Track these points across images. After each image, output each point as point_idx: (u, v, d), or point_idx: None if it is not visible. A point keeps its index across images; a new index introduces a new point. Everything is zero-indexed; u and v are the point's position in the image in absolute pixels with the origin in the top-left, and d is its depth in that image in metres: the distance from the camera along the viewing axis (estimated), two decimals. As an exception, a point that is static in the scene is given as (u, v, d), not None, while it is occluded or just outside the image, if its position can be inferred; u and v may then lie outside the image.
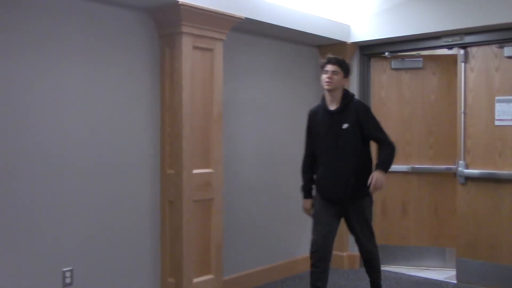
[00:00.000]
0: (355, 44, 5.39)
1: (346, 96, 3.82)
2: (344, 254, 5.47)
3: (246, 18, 4.20)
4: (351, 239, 5.43)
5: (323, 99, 3.89)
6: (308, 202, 3.99)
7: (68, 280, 3.48)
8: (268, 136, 4.99)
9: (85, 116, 3.58)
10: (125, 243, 3.83)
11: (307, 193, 3.99)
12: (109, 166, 3.71)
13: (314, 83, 5.50)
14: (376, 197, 5.45)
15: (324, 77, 3.75)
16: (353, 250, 5.46)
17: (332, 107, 3.81)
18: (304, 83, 5.38)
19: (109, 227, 3.72)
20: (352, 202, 3.79)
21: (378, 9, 5.17)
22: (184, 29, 3.84)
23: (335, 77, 3.73)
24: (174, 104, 3.92)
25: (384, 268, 4.93)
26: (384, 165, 3.70)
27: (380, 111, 5.48)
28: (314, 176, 3.95)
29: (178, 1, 3.71)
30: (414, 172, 5.42)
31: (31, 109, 3.31)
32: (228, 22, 4.10)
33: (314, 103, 5.46)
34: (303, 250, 5.15)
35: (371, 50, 5.46)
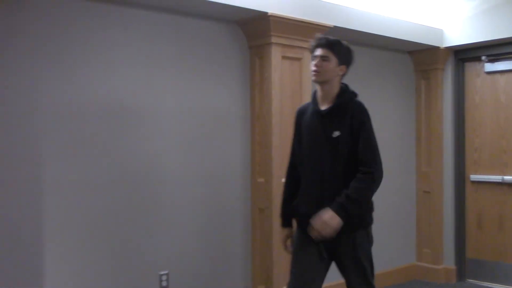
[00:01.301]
0: (449, 48, 5.21)
1: (343, 93, 2.81)
2: (440, 267, 5.26)
3: (335, 27, 4.19)
4: (446, 248, 5.26)
5: (314, 94, 2.90)
6: (285, 232, 2.96)
7: (164, 284, 3.62)
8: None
9: (180, 126, 3.73)
10: (218, 249, 3.92)
11: (284, 219, 2.97)
12: (203, 174, 3.84)
13: (406, 90, 5.37)
14: (470, 207, 5.27)
15: (312, 64, 2.80)
16: (448, 263, 5.25)
17: (323, 106, 2.82)
18: (395, 90, 5.27)
19: (203, 233, 3.84)
20: (338, 239, 2.70)
21: (472, 12, 4.97)
22: (273, 39, 3.90)
23: (325, 64, 2.74)
24: (263, 113, 3.99)
25: (478, 283, 4.68)
26: (345, 204, 2.63)
27: (474, 117, 5.24)
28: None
29: (267, 13, 3.78)
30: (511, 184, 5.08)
31: (132, 119, 3.51)
32: (317, 31, 4.11)
33: (405, 110, 5.34)
34: (400, 260, 5.01)
35: (465, 55, 5.24)
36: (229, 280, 3.99)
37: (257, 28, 3.96)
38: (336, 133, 2.72)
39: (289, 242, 2.93)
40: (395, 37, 4.72)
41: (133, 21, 3.53)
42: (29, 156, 3.10)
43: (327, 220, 2.62)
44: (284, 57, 4.00)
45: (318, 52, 2.77)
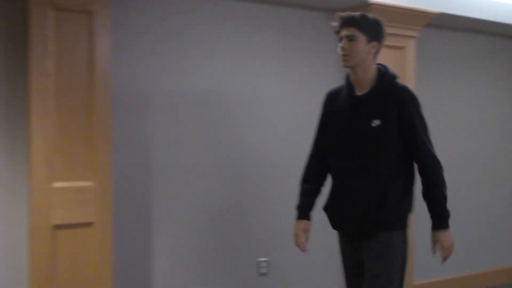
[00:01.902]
0: None
1: (383, 76, 2.42)
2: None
3: (442, 13, 4.01)
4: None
5: (348, 78, 2.50)
6: (301, 225, 2.55)
7: (263, 270, 3.71)
8: (484, 140, 4.73)
9: (283, 116, 3.79)
10: (318, 239, 3.92)
11: (300, 211, 2.58)
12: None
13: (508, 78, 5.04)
14: None
15: (338, 48, 2.42)
16: None
17: (360, 91, 2.44)
18: (505, 77, 4.95)
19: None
20: (368, 236, 2.39)
21: None
22: (375, 28, 3.81)
23: (353, 45, 2.35)
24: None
25: None
26: (443, 214, 2.38)
27: None
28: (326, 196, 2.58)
29: (367, 1, 3.71)
30: None
31: (238, 109, 3.62)
32: (422, 18, 3.97)
33: (507, 100, 4.99)
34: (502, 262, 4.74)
35: None
36: (329, 271, 3.99)
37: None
38: (376, 122, 2.35)
39: (304, 238, 2.54)
40: (506, 22, 4.42)
41: (238, 14, 3.62)
42: (143, 144, 3.32)
43: (449, 239, 2.38)
44: (386, 46, 3.87)
45: (343, 32, 2.38)
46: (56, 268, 2.82)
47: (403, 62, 3.98)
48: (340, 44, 2.38)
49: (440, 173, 2.40)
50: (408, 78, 3.98)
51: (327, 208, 2.54)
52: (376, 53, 2.44)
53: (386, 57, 3.84)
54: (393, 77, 2.44)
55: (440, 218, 2.38)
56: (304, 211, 2.57)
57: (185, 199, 3.46)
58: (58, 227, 2.82)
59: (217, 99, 3.56)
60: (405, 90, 2.40)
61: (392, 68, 3.81)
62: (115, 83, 3.09)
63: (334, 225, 2.54)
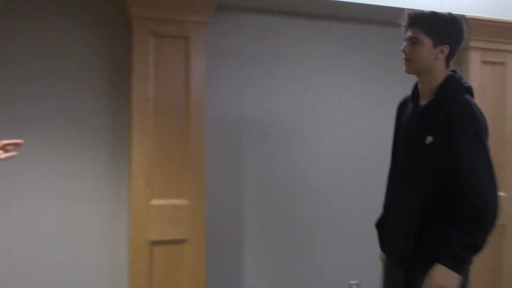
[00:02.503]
0: None
1: (445, 86, 2.08)
2: None
3: (545, 25, 3.79)
4: None
5: (415, 86, 2.22)
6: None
7: (354, 293, 3.64)
8: None
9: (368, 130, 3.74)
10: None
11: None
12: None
13: None
14: None
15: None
16: None
17: (424, 101, 2.15)
18: None
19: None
20: (415, 267, 2.08)
21: None
22: (472, 43, 3.67)
23: (416, 48, 2.08)
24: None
25: None
26: (456, 256, 1.93)
27: None
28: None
29: (465, 16, 3.58)
30: None
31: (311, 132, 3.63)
32: (523, 32, 3.77)
33: None
34: None
35: None
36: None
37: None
38: (429, 139, 2.04)
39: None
40: None
41: (331, 33, 3.64)
42: (234, 164, 3.41)
43: (441, 283, 1.93)
44: (484, 62, 3.73)
45: (408, 33, 2.11)
46: (153, 282, 2.95)
47: (503, 78, 3.78)
48: (402, 47, 2.13)
49: (480, 217, 1.93)
50: (508, 96, 3.78)
51: (377, 225, 2.35)
52: (448, 58, 2.10)
53: (484, 73, 3.71)
54: (456, 88, 2.07)
55: (455, 253, 1.94)
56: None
57: (276, 219, 3.50)
58: (155, 242, 2.95)
59: (306, 120, 3.58)
60: (463, 106, 2.01)
61: (491, 84, 3.73)
62: (209, 105, 3.20)
63: (381, 245, 2.34)
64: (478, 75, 3.70)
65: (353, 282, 3.64)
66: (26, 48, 2.99)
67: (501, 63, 3.77)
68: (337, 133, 3.65)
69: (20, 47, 2.98)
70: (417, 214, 2.05)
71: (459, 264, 1.94)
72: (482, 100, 3.70)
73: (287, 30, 3.54)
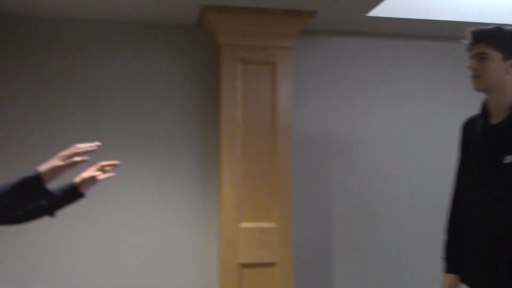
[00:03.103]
0: None
1: None
2: None
3: None
4: None
5: (484, 104, 2.10)
6: (448, 280, 2.15)
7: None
8: None
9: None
10: None
11: (449, 263, 2.17)
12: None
13: None
14: None
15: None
16: None
17: (495, 119, 2.03)
18: None
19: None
20: None
21: None
22: None
23: (485, 65, 1.97)
24: None
25: None
26: None
27: None
28: None
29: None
30: None
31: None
32: None
33: None
34: None
35: None
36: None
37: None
38: (510, 158, 1.92)
39: None
40: None
41: (415, 52, 3.57)
42: (322, 187, 3.39)
43: None
44: None
45: (473, 50, 2.01)
46: (243, 304, 2.96)
47: None
48: (468, 64, 2.02)
49: None
50: None
51: (455, 256, 2.15)
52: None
53: None
54: None
55: None
56: (451, 262, 2.16)
57: (366, 240, 3.41)
58: (245, 265, 2.97)
59: (393, 139, 3.50)
60: None
61: None
62: (296, 128, 3.23)
63: (462, 278, 2.12)
64: None
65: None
66: (122, 74, 3.20)
67: None
68: (426, 151, 3.53)
69: (115, 73, 3.20)
70: (507, 241, 1.89)
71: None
72: None
73: (371, 51, 3.51)
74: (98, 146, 1.61)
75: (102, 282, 3.09)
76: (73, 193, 1.85)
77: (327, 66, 3.45)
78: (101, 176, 1.86)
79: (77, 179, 1.86)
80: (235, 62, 3.02)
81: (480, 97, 2.09)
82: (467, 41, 2.04)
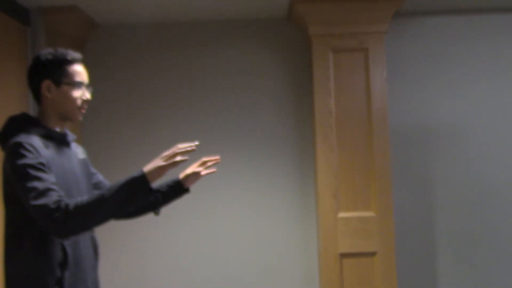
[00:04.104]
0: None
1: None
2: None
3: None
4: None
5: None
6: None
7: None
8: None
9: None
10: None
11: None
12: None
13: None
14: None
15: None
16: None
17: None
18: None
19: None
20: None
21: None
22: None
23: None
24: None
25: None
26: None
27: None
28: None
29: None
30: None
31: None
32: None
33: None
34: None
35: None
36: None
37: None
38: None
39: None
40: None
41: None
42: (422, 175, 3.29)
43: None
44: None
45: None
46: (344, 294, 2.96)
47: None
48: None
49: None
50: None
51: None
52: None
53: None
54: None
55: None
56: None
57: (470, 228, 3.27)
58: (344, 255, 2.96)
59: (501, 123, 3.30)
60: None
61: None
62: (392, 114, 3.14)
63: None
64: None
65: None
66: (216, 71, 3.31)
67: None
68: None
69: (210, 70, 3.31)
70: None
71: None
72: None
73: (468, 29, 3.31)
74: (197, 145, 1.67)
75: (211, 270, 3.23)
76: (178, 189, 1.95)
77: (422, 49, 3.31)
78: (204, 171, 1.94)
79: (181, 175, 1.96)
80: (326, 51, 2.99)
81: None
82: None
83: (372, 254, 2.96)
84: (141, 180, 1.58)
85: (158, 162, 1.61)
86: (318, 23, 2.98)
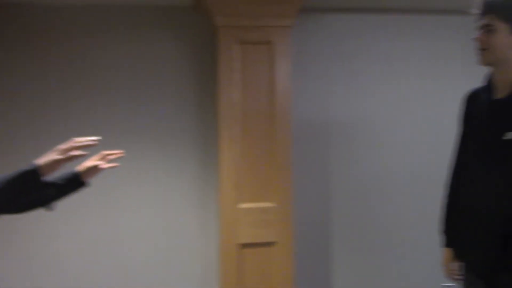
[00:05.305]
0: None
1: None
2: None
3: None
4: None
5: (489, 78, 2.07)
6: (448, 254, 2.21)
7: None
8: None
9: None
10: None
11: (447, 237, 2.22)
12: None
13: None
14: None
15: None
16: None
17: (499, 94, 1.98)
18: None
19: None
20: (497, 277, 1.91)
21: None
22: None
23: (491, 37, 1.91)
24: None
25: None
26: None
27: None
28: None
29: None
30: None
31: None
32: None
33: None
34: None
35: None
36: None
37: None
38: (510, 135, 1.86)
39: (452, 266, 2.20)
40: None
41: (417, 28, 3.54)
42: (321, 167, 3.40)
43: None
44: None
45: (481, 21, 1.94)
46: (242, 284, 2.99)
47: None
48: (475, 36, 1.96)
49: None
50: None
51: (447, 230, 2.19)
52: None
53: None
54: None
55: None
56: (450, 237, 2.21)
57: (364, 220, 3.45)
58: (245, 245, 2.99)
59: (394, 120, 3.49)
60: None
61: None
62: (295, 108, 3.21)
63: (458, 254, 2.13)
64: None
65: (446, 284, 3.51)
66: (119, 58, 3.16)
67: None
68: (427, 133, 3.53)
69: (112, 58, 3.16)
70: (502, 217, 1.88)
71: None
72: None
73: (373, 28, 3.47)
74: (97, 140, 1.58)
75: (104, 264, 3.11)
76: (76, 182, 1.84)
77: (326, 45, 3.41)
78: (104, 165, 1.85)
79: (80, 168, 1.84)
80: (232, 43, 2.98)
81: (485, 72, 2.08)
82: (475, 11, 1.96)
83: (272, 244, 3.02)
84: (32, 173, 1.49)
85: (52, 155, 1.52)
86: (225, 14, 2.95)
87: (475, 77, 3.56)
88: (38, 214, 1.94)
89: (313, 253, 3.38)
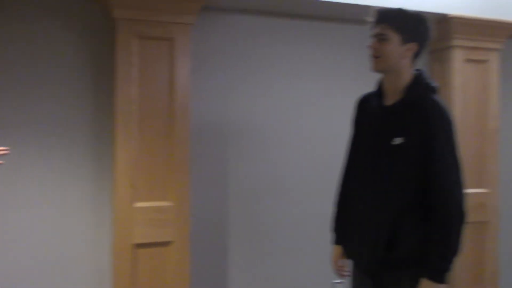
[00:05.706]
0: None
1: (414, 86, 2.03)
2: None
3: (528, 24, 3.82)
4: None
5: (379, 84, 2.18)
6: (338, 251, 2.30)
7: (339, 292, 3.66)
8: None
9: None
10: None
11: (337, 234, 2.31)
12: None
13: None
14: None
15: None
16: None
17: (389, 100, 2.09)
18: None
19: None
20: (382, 275, 2.06)
21: None
22: (455, 42, 3.69)
23: (384, 46, 2.01)
24: (444, 120, 3.79)
25: None
26: (440, 269, 1.94)
27: None
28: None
29: (448, 15, 3.59)
30: None
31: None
32: (505, 30, 3.79)
33: None
34: None
35: None
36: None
37: (437, 32, 3.77)
38: (398, 140, 1.97)
39: (341, 263, 2.31)
40: None
41: (316, 33, 3.62)
42: (219, 166, 3.39)
43: None
44: (467, 60, 3.75)
45: (375, 29, 2.03)
46: (137, 285, 2.92)
47: (486, 76, 3.80)
48: (369, 44, 2.05)
49: (451, 221, 1.94)
50: (490, 93, 3.81)
51: (336, 229, 2.30)
52: (415, 57, 2.05)
53: (467, 72, 3.73)
54: (426, 88, 2.03)
55: (437, 265, 1.94)
56: (339, 235, 2.30)
57: (260, 220, 3.49)
58: (139, 245, 2.92)
59: (292, 123, 3.57)
60: (433, 106, 1.97)
61: (474, 82, 3.74)
62: (194, 107, 3.17)
63: (347, 253, 2.25)
64: (461, 73, 3.72)
65: (336, 281, 3.66)
66: (8, 50, 2.92)
67: (484, 61, 3.80)
68: (322, 134, 3.64)
69: (3, 49, 2.91)
70: (388, 219, 2.00)
71: (444, 274, 1.94)
72: (465, 98, 3.74)
73: (273, 31, 3.51)
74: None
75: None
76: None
77: (227, 45, 3.40)
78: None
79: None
80: (131, 37, 2.87)
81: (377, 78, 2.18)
82: (370, 20, 2.05)
83: (168, 243, 2.97)
84: None
85: None
86: (124, 7, 2.84)
87: (367, 82, 3.77)
88: None
89: (209, 253, 3.38)
